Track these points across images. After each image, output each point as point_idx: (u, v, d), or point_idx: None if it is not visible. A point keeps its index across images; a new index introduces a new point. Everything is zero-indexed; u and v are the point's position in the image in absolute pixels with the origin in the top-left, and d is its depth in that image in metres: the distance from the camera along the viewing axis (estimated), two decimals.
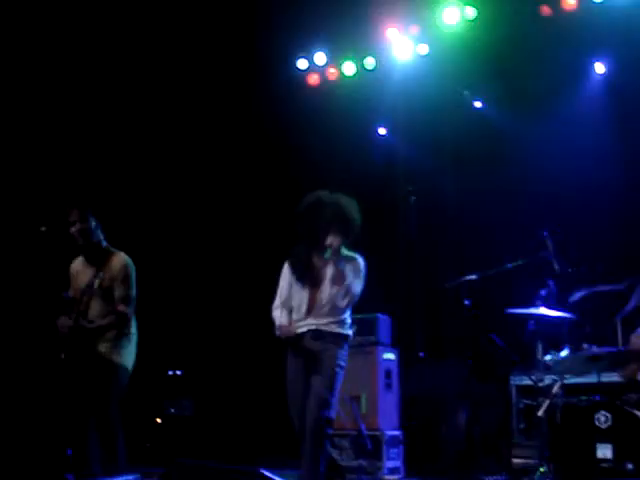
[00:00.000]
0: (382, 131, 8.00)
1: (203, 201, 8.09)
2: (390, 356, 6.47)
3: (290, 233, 4.75)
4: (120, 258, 4.95)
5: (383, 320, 6.54)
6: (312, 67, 7.95)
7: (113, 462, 4.66)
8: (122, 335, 4.88)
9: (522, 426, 5.64)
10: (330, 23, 7.30)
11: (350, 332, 4.79)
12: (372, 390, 6.27)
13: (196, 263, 8.02)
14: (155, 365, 6.99)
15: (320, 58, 7.84)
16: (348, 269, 4.67)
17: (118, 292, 4.86)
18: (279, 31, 7.28)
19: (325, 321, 4.67)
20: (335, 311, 4.68)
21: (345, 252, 4.70)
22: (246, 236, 8.06)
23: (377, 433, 6.15)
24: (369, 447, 5.95)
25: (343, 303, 4.66)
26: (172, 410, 7.27)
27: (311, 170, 7.65)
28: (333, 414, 4.54)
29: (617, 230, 6.55)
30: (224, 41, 7.45)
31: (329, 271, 4.67)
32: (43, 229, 4.85)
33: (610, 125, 6.88)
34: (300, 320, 4.71)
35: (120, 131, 7.71)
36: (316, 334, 4.65)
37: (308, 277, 4.71)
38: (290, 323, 4.71)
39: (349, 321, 4.78)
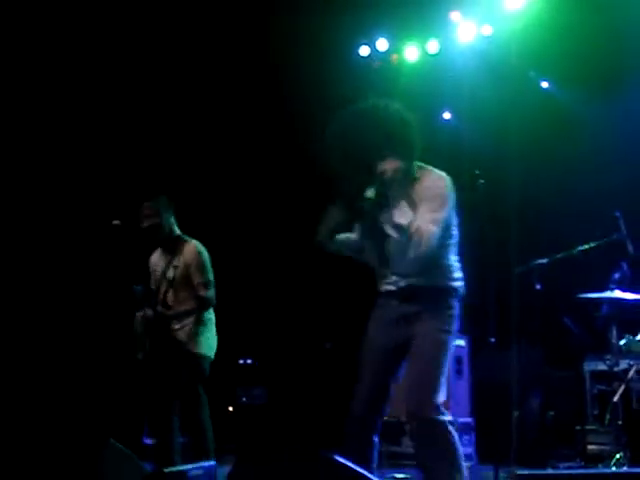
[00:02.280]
0: (447, 116, 7.93)
1: (272, 189, 8.13)
2: (460, 342, 6.42)
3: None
4: (192, 246, 5.05)
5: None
6: (374, 53, 7.91)
7: (201, 449, 4.76)
8: (199, 323, 4.97)
9: (596, 412, 5.54)
10: (391, 8, 7.24)
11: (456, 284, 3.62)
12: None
13: (270, 252, 8.07)
14: (227, 354, 7.09)
15: (382, 44, 7.79)
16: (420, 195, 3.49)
17: (196, 278, 4.94)
18: (340, 18, 7.25)
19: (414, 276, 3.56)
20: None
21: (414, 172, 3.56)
22: (309, 224, 8.07)
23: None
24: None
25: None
26: (244, 399, 7.36)
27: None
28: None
29: None
30: (283, 30, 7.46)
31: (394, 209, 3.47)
32: (116, 223, 4.96)
33: None
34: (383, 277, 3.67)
35: (186, 126, 7.81)
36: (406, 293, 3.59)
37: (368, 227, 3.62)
38: None
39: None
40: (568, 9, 6.82)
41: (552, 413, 5.75)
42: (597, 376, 5.65)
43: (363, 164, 3.44)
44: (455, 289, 3.63)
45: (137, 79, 7.52)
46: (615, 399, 5.06)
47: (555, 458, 5.42)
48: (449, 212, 3.55)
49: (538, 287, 5.05)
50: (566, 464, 5.33)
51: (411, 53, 7.77)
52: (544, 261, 5.12)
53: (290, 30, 7.44)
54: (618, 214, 5.13)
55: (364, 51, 7.89)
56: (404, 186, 3.51)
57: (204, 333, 4.97)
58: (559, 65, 7.09)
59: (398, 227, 3.44)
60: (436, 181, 3.57)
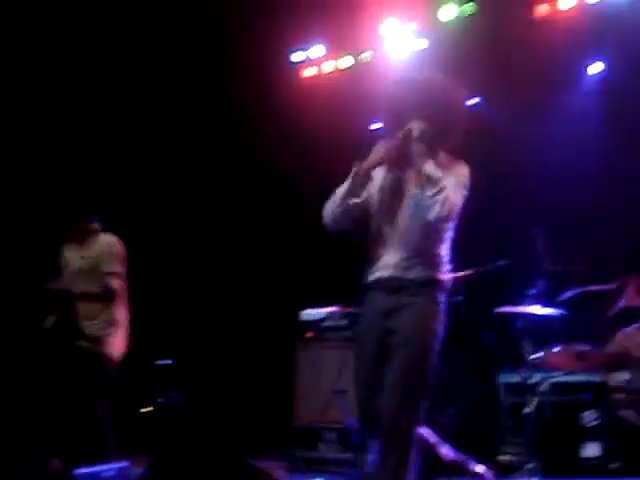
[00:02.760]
0: (377, 125, 7.99)
1: (194, 192, 8.08)
2: None
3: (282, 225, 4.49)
4: (108, 238, 4.95)
5: None
6: (308, 60, 7.93)
7: (102, 453, 4.67)
8: (109, 323, 4.87)
9: (510, 423, 5.66)
10: (326, 15, 7.28)
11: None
12: None
13: (187, 249, 8.01)
14: (145, 354, 6.99)
15: (316, 51, 7.82)
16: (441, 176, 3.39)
17: (105, 266, 4.84)
18: (274, 24, 7.26)
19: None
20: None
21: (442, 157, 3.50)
22: (238, 225, 8.06)
23: None
24: (356, 441, 5.96)
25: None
26: (160, 400, 7.27)
27: (304, 162, 7.66)
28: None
29: (608, 230, 6.57)
30: (216, 35, 7.43)
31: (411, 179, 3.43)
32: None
33: (606, 125, 6.90)
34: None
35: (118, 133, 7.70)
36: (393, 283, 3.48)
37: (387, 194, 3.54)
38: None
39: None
40: (496, 28, 6.98)
41: (466, 424, 5.84)
42: (511, 388, 5.78)
43: (404, 116, 3.48)
44: (445, 282, 3.56)
45: (72, 83, 7.38)
46: (527, 411, 5.19)
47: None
48: (464, 199, 3.56)
49: (459, 298, 5.14)
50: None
51: (345, 61, 7.81)
52: (465, 273, 5.21)
53: (225, 31, 7.41)
54: (537, 231, 5.27)
55: (297, 57, 7.90)
56: (430, 152, 3.46)
57: (112, 334, 4.86)
58: (488, 82, 7.24)
59: (427, 177, 3.38)
60: (462, 169, 3.60)
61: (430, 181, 3.38)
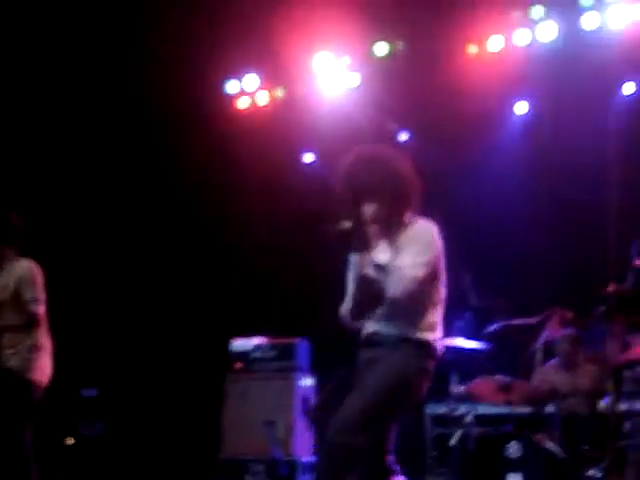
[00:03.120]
0: (309, 158, 8.07)
1: (122, 220, 7.99)
2: (308, 382, 6.48)
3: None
4: (26, 263, 4.86)
5: (302, 345, 6.56)
6: (242, 91, 7.98)
7: None
8: (34, 349, 4.77)
9: (436, 454, 5.72)
10: (262, 47, 7.34)
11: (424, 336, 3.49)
12: (289, 416, 6.27)
13: (115, 277, 7.90)
14: (69, 385, 6.85)
15: (250, 82, 7.87)
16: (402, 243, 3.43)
17: (26, 293, 4.75)
18: (210, 53, 7.29)
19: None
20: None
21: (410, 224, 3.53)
22: (168, 254, 7.99)
23: (292, 459, 6.14)
24: (284, 473, 5.94)
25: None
26: (83, 431, 7.12)
27: (235, 193, 7.68)
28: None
29: (534, 266, 6.75)
30: (153, 64, 7.40)
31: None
32: None
33: (529, 164, 7.11)
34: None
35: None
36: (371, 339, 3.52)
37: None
38: None
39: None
40: (428, 66, 7.14)
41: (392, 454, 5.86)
42: (437, 420, 5.85)
43: (356, 203, 3.49)
44: (427, 343, 3.50)
45: None
46: (452, 442, 5.26)
47: None
48: (434, 260, 3.49)
49: None
50: None
51: (278, 93, 7.88)
52: None
53: (162, 59, 7.39)
54: (464, 266, 5.37)
55: (232, 88, 7.93)
56: (387, 232, 3.47)
57: (38, 359, 4.77)
58: (417, 118, 7.41)
59: (377, 266, 3.38)
60: (422, 229, 3.56)
61: (381, 267, 3.39)
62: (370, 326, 3.55)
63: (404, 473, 5.57)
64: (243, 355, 6.51)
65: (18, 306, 4.75)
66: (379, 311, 3.49)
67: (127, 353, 7.73)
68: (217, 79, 7.83)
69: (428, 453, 5.75)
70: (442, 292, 3.60)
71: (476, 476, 5.22)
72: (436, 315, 3.58)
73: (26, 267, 4.84)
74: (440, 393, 5.61)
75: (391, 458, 3.59)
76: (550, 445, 5.15)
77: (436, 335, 3.58)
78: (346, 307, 3.64)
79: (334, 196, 3.57)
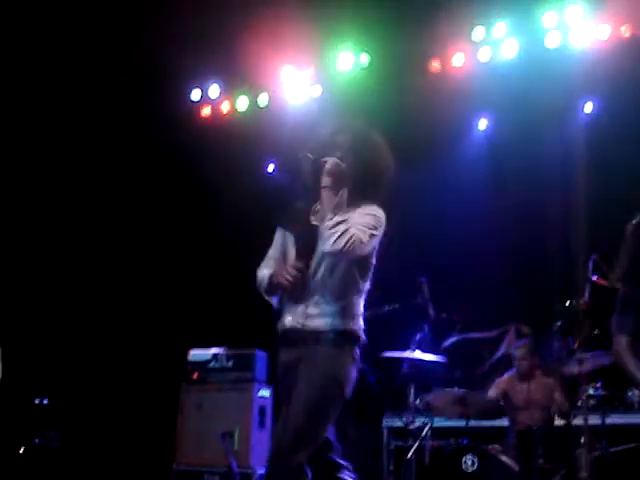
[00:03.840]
0: (271, 168, 8.05)
1: (80, 226, 7.88)
2: (265, 393, 6.44)
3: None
4: None
5: (260, 356, 6.53)
6: (205, 99, 7.95)
7: None
8: None
9: (392, 467, 5.73)
10: (226, 56, 7.32)
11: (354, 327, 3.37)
12: (245, 427, 6.22)
13: (68, 283, 7.78)
14: (22, 393, 6.73)
15: (214, 91, 7.85)
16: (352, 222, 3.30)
17: None
18: (174, 60, 7.25)
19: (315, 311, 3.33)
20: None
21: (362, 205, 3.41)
22: (127, 261, 7.91)
23: (248, 470, 6.09)
24: None
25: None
26: (37, 441, 7.00)
27: (199, 202, 7.64)
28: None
29: (490, 280, 6.80)
30: (116, 67, 7.35)
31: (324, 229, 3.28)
32: None
33: (490, 178, 7.18)
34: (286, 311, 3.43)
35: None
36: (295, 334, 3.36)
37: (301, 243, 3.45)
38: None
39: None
40: (390, 81, 7.18)
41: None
42: (394, 432, 5.86)
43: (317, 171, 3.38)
44: (356, 334, 3.38)
45: None
46: (409, 455, 5.26)
47: None
48: (377, 241, 3.42)
49: None
50: None
51: (241, 103, 7.87)
52: None
53: (131, 62, 7.33)
54: (423, 279, 5.41)
55: (195, 95, 7.91)
56: (340, 208, 3.32)
57: None
58: (380, 131, 7.41)
59: (334, 223, 3.26)
60: (375, 210, 3.45)
61: (338, 222, 3.28)
62: (291, 319, 3.38)
63: None
64: (200, 365, 6.45)
65: None
66: (304, 296, 3.34)
67: (83, 361, 7.62)
68: (183, 86, 7.79)
69: (385, 466, 5.76)
70: (368, 280, 3.50)
71: None
72: (361, 304, 3.47)
73: None
74: (398, 406, 5.64)
75: (336, 452, 3.47)
76: (505, 458, 5.19)
77: (361, 326, 3.45)
78: (263, 274, 3.49)
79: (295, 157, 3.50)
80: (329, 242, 3.26)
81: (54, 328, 7.55)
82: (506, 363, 6.14)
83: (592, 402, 5.35)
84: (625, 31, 6.61)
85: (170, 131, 7.61)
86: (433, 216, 7.01)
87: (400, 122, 7.23)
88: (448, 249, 6.90)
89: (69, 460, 6.96)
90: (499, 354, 6.11)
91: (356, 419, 6.10)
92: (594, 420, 5.22)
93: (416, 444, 5.26)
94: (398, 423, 5.65)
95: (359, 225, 3.30)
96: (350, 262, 3.36)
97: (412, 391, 5.39)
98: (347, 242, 3.24)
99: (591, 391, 5.35)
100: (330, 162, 3.37)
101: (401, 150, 7.17)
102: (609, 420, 5.36)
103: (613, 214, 6.59)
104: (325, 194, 3.34)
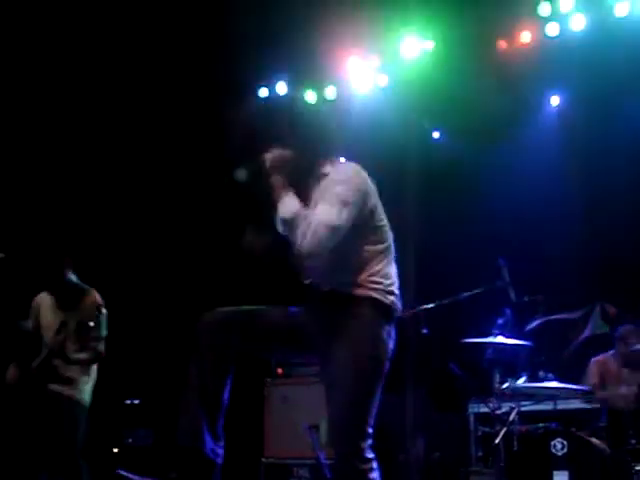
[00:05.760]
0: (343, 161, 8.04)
1: (165, 229, 8.03)
2: None
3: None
4: (93, 298, 4.99)
5: None
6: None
7: None
8: (86, 371, 4.94)
9: (480, 454, 5.68)
10: (291, 52, 7.34)
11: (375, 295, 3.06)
12: None
13: (155, 290, 7.95)
14: (113, 394, 6.91)
15: (281, 87, 7.89)
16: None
17: (93, 331, 4.89)
18: (240, 60, 7.31)
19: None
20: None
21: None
22: (199, 259, 7.98)
23: None
24: (328, 476, 5.93)
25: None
26: (130, 440, 7.18)
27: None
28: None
29: (572, 260, 6.67)
30: (184, 70, 7.45)
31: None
32: (1, 256, 4.82)
33: (564, 157, 7.03)
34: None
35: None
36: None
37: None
38: None
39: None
40: (457, 64, 7.09)
41: (437, 454, 5.85)
42: (481, 419, 5.80)
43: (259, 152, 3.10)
44: (379, 301, 3.06)
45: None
46: (496, 441, 5.20)
47: None
48: (359, 201, 3.03)
49: (425, 332, 5.16)
50: None
51: (309, 97, 7.87)
52: (430, 306, 5.25)
53: (190, 69, 7.43)
54: (502, 262, 5.33)
55: (263, 94, 7.95)
56: (298, 185, 3.08)
57: (89, 382, 4.96)
58: (449, 116, 7.36)
59: (280, 220, 3.02)
60: (341, 172, 3.10)
61: (285, 221, 3.02)
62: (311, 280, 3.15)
63: (448, 474, 5.57)
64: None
65: (82, 340, 4.92)
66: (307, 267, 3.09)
67: (171, 361, 7.77)
68: (249, 86, 7.84)
69: (473, 453, 5.71)
70: (386, 239, 3.17)
71: (522, 475, 5.17)
72: (384, 267, 3.12)
73: (94, 303, 4.96)
74: (484, 391, 5.58)
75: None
76: (595, 441, 5.09)
77: (392, 292, 3.12)
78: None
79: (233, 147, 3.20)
80: (295, 245, 2.98)
81: (141, 331, 7.73)
82: (594, 344, 6.02)
83: None
84: None
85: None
86: (509, 197, 6.91)
87: (470, 106, 7.15)
88: (525, 230, 6.80)
89: (161, 457, 7.12)
90: (584, 336, 5.99)
91: (440, 407, 6.08)
92: None
93: (504, 430, 5.20)
94: (484, 409, 5.58)
95: (320, 210, 2.98)
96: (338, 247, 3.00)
97: (497, 376, 5.33)
98: (310, 237, 2.93)
99: None
100: (267, 158, 3.08)
101: (474, 133, 7.18)
102: None
103: None
104: (281, 190, 3.05)
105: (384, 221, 3.19)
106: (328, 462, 6.01)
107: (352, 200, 3.00)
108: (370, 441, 3.04)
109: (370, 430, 3.05)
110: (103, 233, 7.74)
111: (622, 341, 5.68)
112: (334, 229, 2.95)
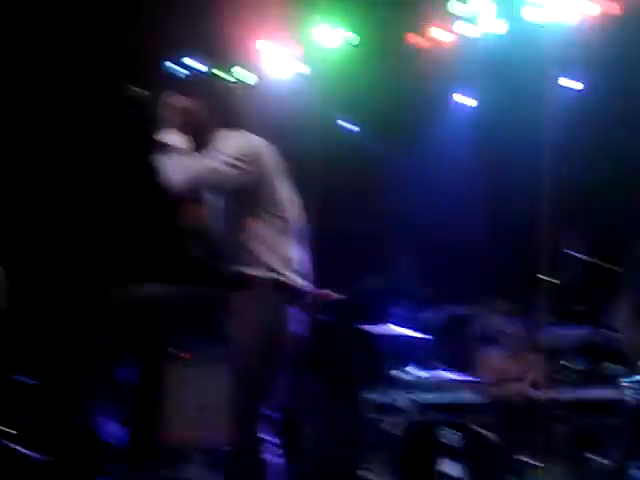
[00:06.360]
0: None
1: None
2: None
3: None
4: None
5: None
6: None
7: None
8: None
9: (373, 442, 5.75)
10: (208, 32, 7.26)
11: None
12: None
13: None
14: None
15: (193, 63, 7.75)
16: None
17: None
18: (152, 33, 7.18)
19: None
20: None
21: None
22: None
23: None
24: (224, 459, 5.90)
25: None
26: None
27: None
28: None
29: (472, 256, 6.81)
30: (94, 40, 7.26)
31: None
32: None
33: (470, 157, 7.19)
34: None
35: None
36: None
37: None
38: None
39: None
40: (376, 58, 7.14)
41: (328, 442, 5.90)
42: (374, 407, 5.88)
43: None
44: (279, 281, 3.10)
45: None
46: (389, 429, 5.29)
47: None
48: (244, 172, 3.07)
49: (324, 318, 5.21)
50: None
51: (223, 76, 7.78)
52: (330, 293, 5.29)
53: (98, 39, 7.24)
54: (405, 254, 5.42)
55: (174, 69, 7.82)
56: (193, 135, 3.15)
57: None
58: (362, 109, 7.43)
59: (163, 146, 3.05)
60: (237, 137, 3.18)
61: (168, 147, 3.07)
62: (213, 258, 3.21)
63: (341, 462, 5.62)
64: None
65: None
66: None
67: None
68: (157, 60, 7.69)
69: (365, 441, 5.78)
70: (286, 217, 3.20)
71: (411, 463, 5.26)
72: (286, 244, 3.15)
73: None
74: (378, 380, 5.66)
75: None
76: (486, 432, 5.22)
77: (290, 268, 3.14)
78: None
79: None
80: (167, 174, 3.03)
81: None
82: (488, 339, 6.15)
83: (570, 375, 5.38)
84: (610, 8, 6.54)
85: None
86: (417, 191, 7.02)
87: (383, 101, 7.23)
88: (431, 224, 6.91)
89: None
90: (479, 330, 6.12)
91: (332, 394, 6.12)
92: (572, 393, 5.28)
93: (396, 418, 5.29)
94: (378, 397, 5.67)
95: (206, 159, 3.07)
96: (228, 198, 3.11)
97: (392, 365, 5.41)
98: (190, 172, 3.00)
99: (569, 364, 5.37)
100: (170, 101, 3.16)
101: (385, 129, 7.25)
102: (586, 394, 5.40)
103: (598, 189, 6.63)
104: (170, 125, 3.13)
105: (285, 199, 3.23)
106: (224, 445, 6.00)
107: (236, 163, 3.07)
108: (264, 422, 3.09)
109: (264, 412, 3.08)
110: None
111: (511, 337, 5.86)
112: (212, 172, 3.02)
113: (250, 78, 7.59)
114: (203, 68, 7.65)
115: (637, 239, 4.03)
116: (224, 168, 3.05)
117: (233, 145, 3.12)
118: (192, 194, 3.14)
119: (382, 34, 7.09)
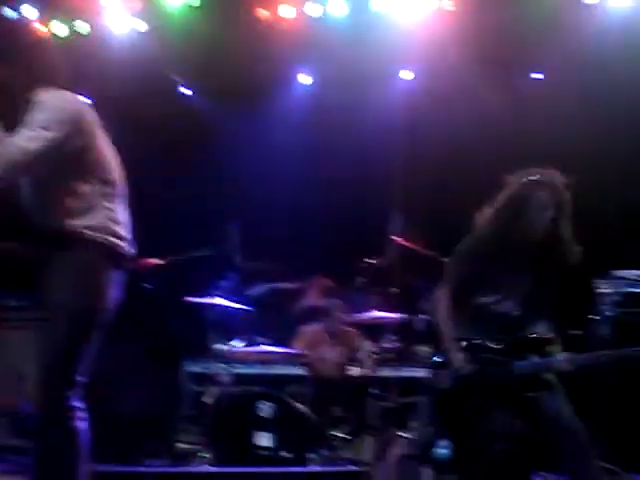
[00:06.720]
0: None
1: None
2: None
3: None
4: None
5: None
6: (22, 21, 7.43)
7: None
8: None
9: (191, 412, 5.74)
10: None
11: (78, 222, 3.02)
12: None
13: None
14: None
15: (29, 12, 7.36)
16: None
17: None
18: None
19: None
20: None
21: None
22: None
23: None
24: (29, 427, 5.69)
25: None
26: None
27: None
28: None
29: (303, 234, 6.92)
30: None
31: None
32: None
33: (308, 133, 7.26)
34: None
35: None
36: None
37: None
38: None
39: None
40: (217, 24, 7.03)
41: (147, 410, 5.81)
42: (194, 377, 5.87)
43: None
44: (103, 245, 3.02)
45: None
46: (206, 400, 5.29)
47: (144, 455, 5.48)
48: (64, 134, 2.95)
49: (147, 286, 5.11)
50: (155, 461, 5.40)
51: (59, 28, 7.42)
52: (155, 260, 5.21)
53: None
54: (233, 226, 5.40)
55: (11, 15, 7.37)
56: (8, 103, 3.00)
57: None
58: (202, 73, 7.31)
59: None
60: (48, 99, 2.99)
61: None
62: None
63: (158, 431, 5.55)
64: None
65: None
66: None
67: None
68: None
69: (183, 411, 5.75)
70: (112, 179, 3.13)
71: (226, 434, 5.29)
72: (111, 207, 3.09)
73: None
74: (199, 351, 5.65)
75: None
76: (300, 406, 5.33)
77: (116, 232, 3.09)
78: None
79: None
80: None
81: None
82: (310, 314, 6.28)
83: (385, 355, 5.60)
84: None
85: None
86: (253, 165, 7.01)
87: (225, 68, 7.14)
88: (264, 199, 6.94)
89: None
90: (303, 305, 6.24)
91: (155, 362, 6.04)
92: (386, 372, 5.52)
93: (215, 390, 5.29)
94: (198, 369, 5.66)
95: (24, 130, 2.91)
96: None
97: (214, 337, 5.41)
98: (8, 162, 2.88)
99: (385, 344, 5.59)
100: None
101: (226, 95, 7.16)
102: (399, 373, 5.66)
103: (428, 179, 6.90)
104: None
105: (109, 160, 3.13)
106: (33, 411, 5.78)
107: (55, 126, 2.94)
108: (78, 390, 3.00)
109: (78, 379, 3.00)
110: None
111: (329, 314, 6.02)
112: (29, 153, 2.89)
113: (84, 29, 7.28)
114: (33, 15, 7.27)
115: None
116: (40, 146, 2.92)
117: (49, 112, 2.96)
118: (11, 182, 3.02)
119: (226, 1, 7.00)
